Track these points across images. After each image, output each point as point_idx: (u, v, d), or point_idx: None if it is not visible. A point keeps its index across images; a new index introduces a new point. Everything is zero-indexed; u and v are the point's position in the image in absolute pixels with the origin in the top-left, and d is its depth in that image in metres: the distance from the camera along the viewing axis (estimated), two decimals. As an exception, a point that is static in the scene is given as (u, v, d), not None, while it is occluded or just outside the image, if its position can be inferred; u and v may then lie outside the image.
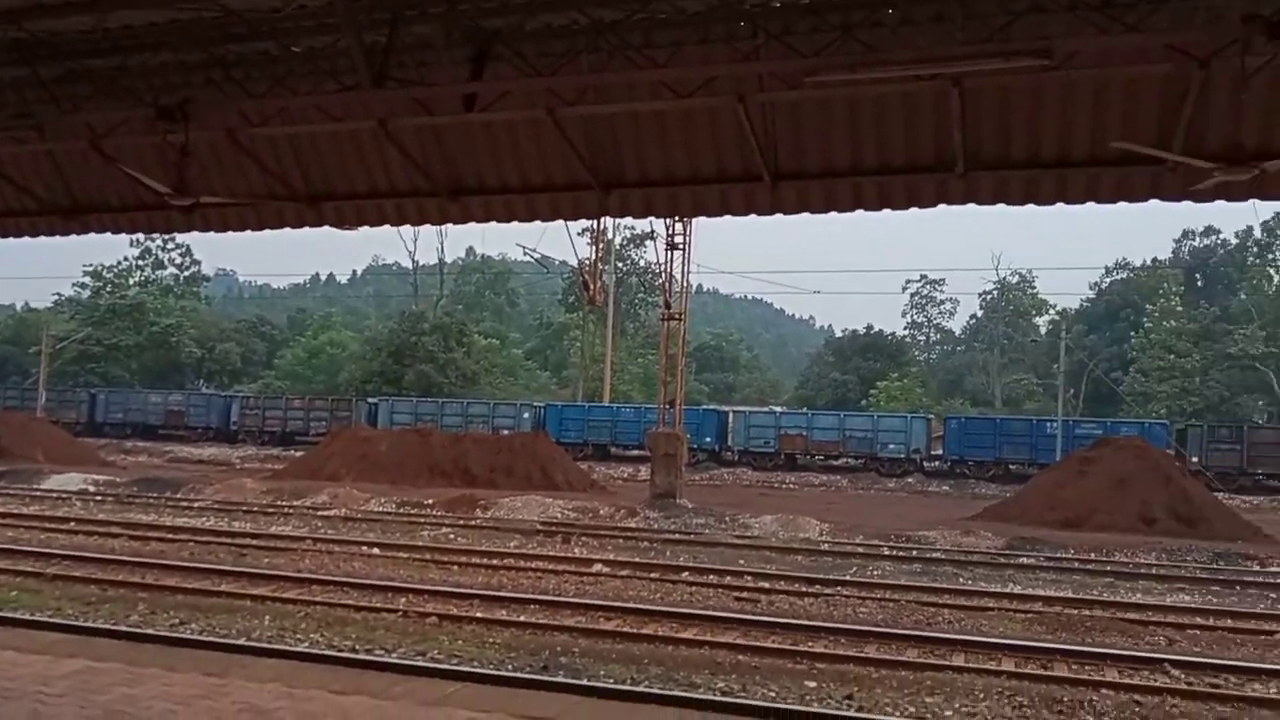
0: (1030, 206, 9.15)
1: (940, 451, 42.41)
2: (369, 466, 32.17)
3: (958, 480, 39.71)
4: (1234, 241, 68.81)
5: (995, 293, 72.05)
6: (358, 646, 10.55)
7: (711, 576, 15.82)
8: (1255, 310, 61.76)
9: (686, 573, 16.08)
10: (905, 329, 79.42)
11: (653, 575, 15.79)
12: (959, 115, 8.26)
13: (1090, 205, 9.01)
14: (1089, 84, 8.08)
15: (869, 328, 71.99)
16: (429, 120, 9.67)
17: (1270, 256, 67.58)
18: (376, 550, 17.65)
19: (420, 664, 9.58)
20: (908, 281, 79.96)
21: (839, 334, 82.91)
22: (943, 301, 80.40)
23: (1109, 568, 18.52)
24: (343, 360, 68.93)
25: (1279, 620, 13.68)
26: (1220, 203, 8.68)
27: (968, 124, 8.42)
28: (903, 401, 58.33)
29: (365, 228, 11.73)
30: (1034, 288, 71.74)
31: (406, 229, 68.97)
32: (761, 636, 11.50)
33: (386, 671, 8.68)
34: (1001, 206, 9.23)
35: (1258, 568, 19.20)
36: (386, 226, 11.68)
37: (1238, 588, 16.85)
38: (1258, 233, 66.76)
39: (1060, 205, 9.05)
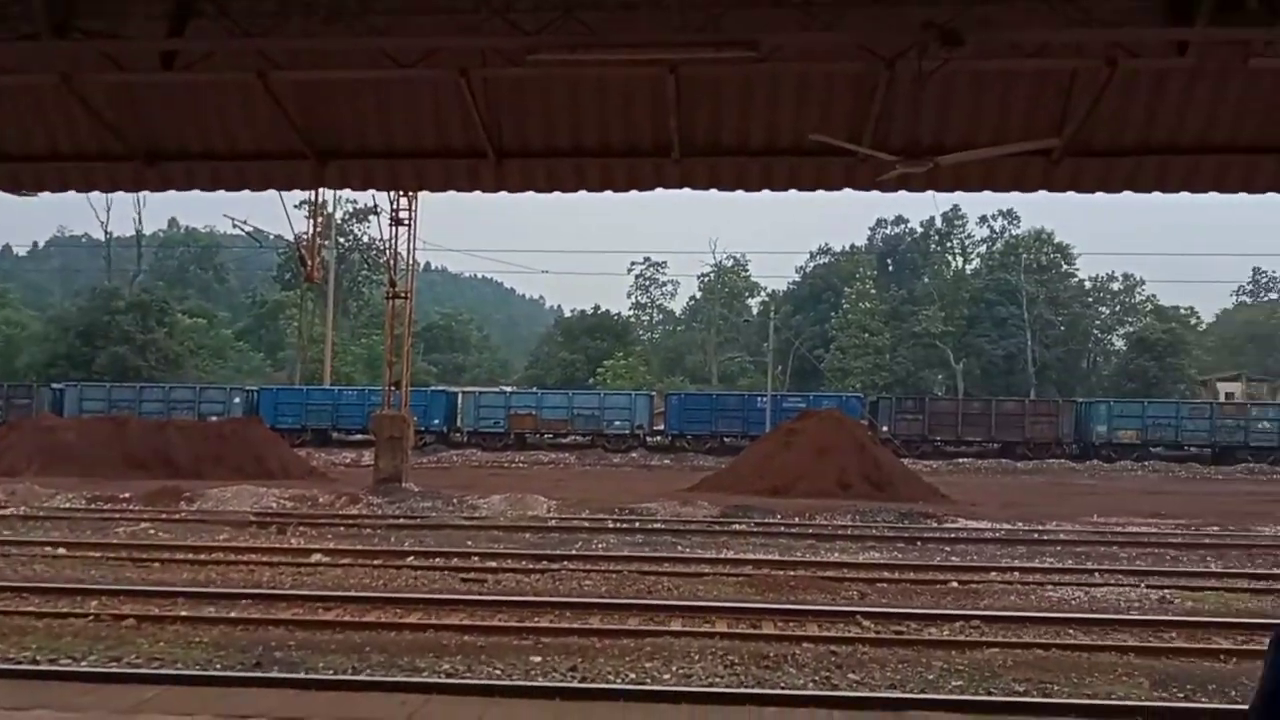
0: (740, 192, 9.67)
1: (662, 427, 44.25)
2: (54, 459, 29.33)
3: (678, 453, 41.66)
4: (919, 230, 76.41)
5: (712, 275, 75.72)
6: (39, 657, 9.53)
7: (438, 559, 15.61)
8: (936, 293, 68.96)
9: (411, 557, 15.77)
10: (630, 309, 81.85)
11: (376, 562, 15.36)
12: (674, 102, 8.57)
13: (794, 192, 9.66)
14: (792, 78, 8.63)
15: (596, 308, 73.68)
16: (122, 77, 8.83)
17: (949, 244, 75.71)
18: (63, 550, 16.01)
19: (113, 670, 8.80)
20: (632, 263, 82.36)
21: (568, 314, 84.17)
22: (665, 283, 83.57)
23: (811, 530, 19.96)
24: (22, 342, 62.37)
25: (952, 570, 15.32)
26: (905, 194, 9.58)
27: (683, 111, 8.76)
28: (628, 379, 60.19)
29: (46, 194, 10.59)
30: (747, 271, 76.19)
31: (97, 196, 63.25)
32: (488, 616, 11.48)
33: (73, 681, 7.89)
34: (715, 191, 9.70)
35: (935, 524, 21.39)
36: (73, 193, 10.61)
37: (919, 543, 18.70)
38: (939, 223, 74.71)
39: (767, 191, 9.62)
